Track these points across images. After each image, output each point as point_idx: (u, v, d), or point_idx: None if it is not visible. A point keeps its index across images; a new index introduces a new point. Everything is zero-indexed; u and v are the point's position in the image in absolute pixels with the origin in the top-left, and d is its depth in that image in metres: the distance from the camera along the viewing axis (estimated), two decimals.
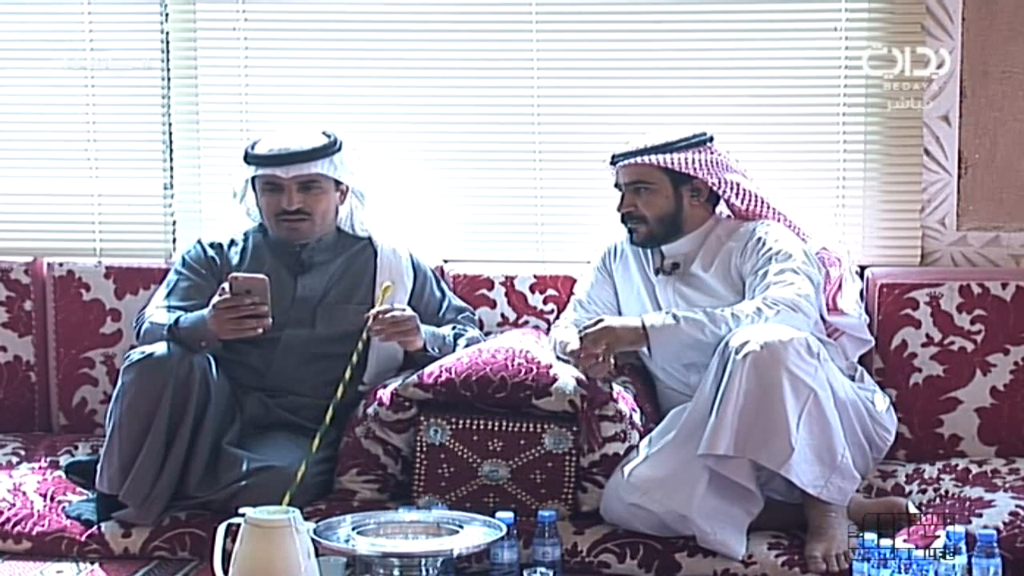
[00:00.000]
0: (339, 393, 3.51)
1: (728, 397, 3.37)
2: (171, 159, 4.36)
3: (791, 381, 3.37)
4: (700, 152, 3.78)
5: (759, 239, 3.74)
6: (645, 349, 3.63)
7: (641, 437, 3.60)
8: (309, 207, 3.87)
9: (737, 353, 3.39)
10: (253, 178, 3.90)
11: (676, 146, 3.78)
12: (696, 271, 3.81)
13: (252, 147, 3.90)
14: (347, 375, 3.54)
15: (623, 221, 3.85)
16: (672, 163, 3.76)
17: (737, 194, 3.83)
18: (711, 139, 3.83)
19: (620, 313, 3.89)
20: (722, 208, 3.91)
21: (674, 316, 3.57)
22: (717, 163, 3.80)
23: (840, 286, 3.86)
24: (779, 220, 3.85)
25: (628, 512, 3.46)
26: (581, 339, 3.62)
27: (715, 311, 3.57)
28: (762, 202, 3.84)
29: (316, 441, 3.45)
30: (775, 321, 3.51)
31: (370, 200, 4.02)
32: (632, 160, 3.78)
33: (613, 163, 3.84)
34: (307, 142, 3.88)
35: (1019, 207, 4.15)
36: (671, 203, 3.80)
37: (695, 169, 3.77)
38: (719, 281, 3.78)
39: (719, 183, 3.80)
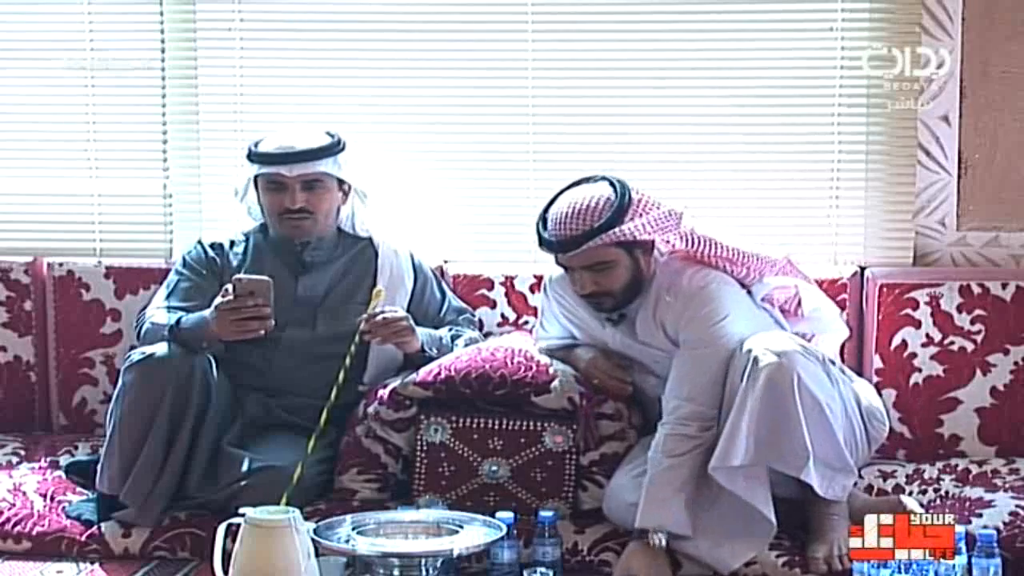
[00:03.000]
0: (332, 397, 3.51)
1: (741, 409, 3.33)
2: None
3: (800, 388, 3.34)
4: (641, 215, 3.51)
5: (691, 313, 3.53)
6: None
7: (639, 436, 3.60)
8: (312, 206, 3.87)
9: (754, 364, 3.34)
10: (256, 176, 3.90)
11: (621, 218, 3.49)
12: (639, 319, 3.64)
13: (255, 145, 3.90)
14: (340, 379, 3.54)
15: (585, 298, 3.64)
16: (626, 235, 3.50)
17: (689, 243, 3.60)
18: (631, 195, 3.51)
19: (580, 331, 3.77)
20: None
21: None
22: (660, 219, 3.54)
23: (797, 295, 3.77)
24: (723, 253, 3.61)
25: (629, 512, 3.45)
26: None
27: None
28: (707, 242, 3.61)
29: (311, 444, 3.46)
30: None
31: (371, 200, 4.02)
32: (584, 247, 3.51)
33: (555, 250, 3.56)
34: (312, 141, 3.87)
35: (1019, 207, 4.15)
36: (631, 269, 3.56)
37: (647, 234, 3.53)
38: (657, 330, 3.61)
39: (672, 241, 3.58)
